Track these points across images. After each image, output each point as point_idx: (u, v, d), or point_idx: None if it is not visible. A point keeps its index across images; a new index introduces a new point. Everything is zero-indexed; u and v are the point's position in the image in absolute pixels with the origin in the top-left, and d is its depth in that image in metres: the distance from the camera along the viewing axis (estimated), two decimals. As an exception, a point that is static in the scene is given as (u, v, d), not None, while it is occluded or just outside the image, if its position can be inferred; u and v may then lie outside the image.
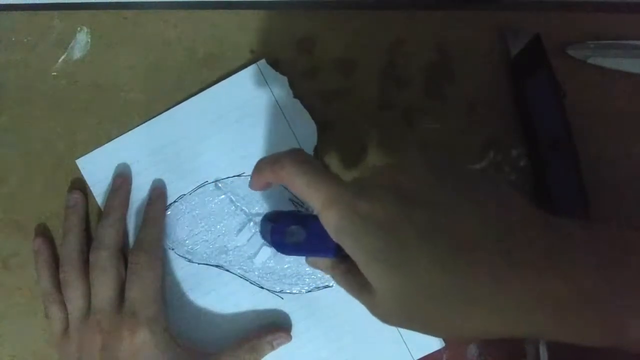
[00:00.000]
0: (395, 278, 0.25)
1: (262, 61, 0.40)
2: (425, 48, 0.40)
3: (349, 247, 0.26)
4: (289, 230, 0.31)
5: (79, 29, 0.42)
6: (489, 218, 0.25)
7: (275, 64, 0.41)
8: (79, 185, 0.41)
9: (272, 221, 0.33)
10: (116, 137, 0.41)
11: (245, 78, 0.40)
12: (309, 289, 0.40)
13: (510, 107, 0.40)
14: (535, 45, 0.39)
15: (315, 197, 0.28)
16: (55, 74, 0.42)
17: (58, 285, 0.39)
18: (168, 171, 0.41)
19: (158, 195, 0.40)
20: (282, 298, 0.40)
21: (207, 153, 0.40)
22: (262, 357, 0.39)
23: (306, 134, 0.40)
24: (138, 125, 0.41)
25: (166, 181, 0.41)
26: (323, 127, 0.40)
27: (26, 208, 0.42)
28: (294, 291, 0.40)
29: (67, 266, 0.39)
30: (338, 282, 0.31)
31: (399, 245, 0.25)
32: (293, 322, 0.40)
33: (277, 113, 0.40)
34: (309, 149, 0.40)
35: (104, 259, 0.38)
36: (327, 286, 0.39)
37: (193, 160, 0.41)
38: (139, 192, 0.41)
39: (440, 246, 0.25)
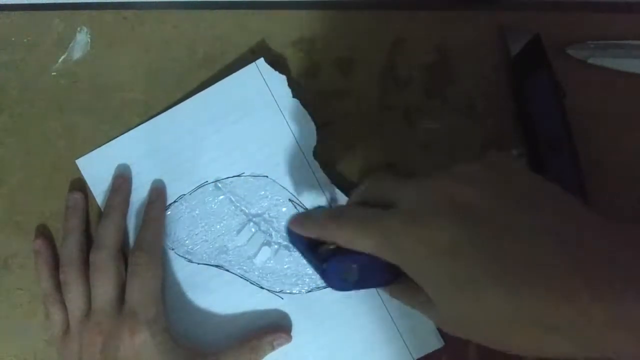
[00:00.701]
0: (461, 303, 0.24)
1: (261, 60, 0.40)
2: (425, 48, 0.40)
3: (412, 274, 0.25)
4: (345, 271, 0.29)
5: (79, 29, 0.42)
6: (558, 234, 0.23)
7: (275, 64, 0.40)
8: (79, 186, 0.41)
9: (321, 260, 0.30)
10: (116, 137, 0.41)
11: (243, 77, 0.40)
12: (309, 289, 0.40)
13: (510, 107, 0.40)
14: (535, 45, 0.39)
15: (367, 238, 0.27)
16: (55, 74, 0.42)
17: (58, 285, 0.39)
18: (168, 171, 0.41)
19: (158, 195, 0.40)
20: (282, 298, 0.40)
21: (207, 153, 0.40)
22: (262, 357, 0.39)
23: (305, 133, 0.40)
24: (138, 125, 0.41)
25: (166, 181, 0.41)
26: (323, 127, 0.40)
27: (26, 208, 0.42)
28: (294, 291, 0.40)
29: (67, 267, 0.39)
30: (396, 297, 0.30)
31: (464, 271, 0.24)
32: (293, 322, 0.40)
33: (276, 113, 0.40)
34: (309, 148, 0.40)
35: (104, 259, 0.38)
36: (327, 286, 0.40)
37: (193, 160, 0.41)
38: (139, 192, 0.41)
39: (507, 268, 0.23)
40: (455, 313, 0.25)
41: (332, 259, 0.29)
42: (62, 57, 0.42)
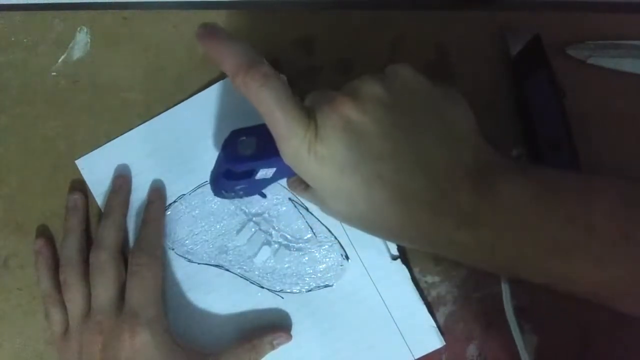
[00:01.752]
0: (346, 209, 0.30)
1: None
2: (425, 48, 0.40)
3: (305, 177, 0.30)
4: (240, 141, 0.31)
5: (78, 29, 0.42)
6: (433, 164, 0.28)
7: (275, 64, 0.41)
8: (79, 186, 0.41)
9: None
10: (116, 137, 0.41)
11: None
12: (309, 289, 0.40)
13: (510, 107, 0.40)
14: (535, 45, 0.39)
15: (275, 124, 0.29)
16: (55, 74, 0.42)
17: (58, 286, 0.39)
18: (168, 171, 0.41)
19: (157, 195, 0.40)
20: (283, 297, 0.40)
21: (207, 153, 0.40)
22: (263, 356, 0.39)
23: None
24: (138, 125, 0.41)
25: (166, 181, 0.41)
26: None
27: (26, 208, 0.42)
28: (295, 290, 0.40)
29: (67, 267, 0.39)
30: (293, 188, 0.37)
31: (348, 191, 0.29)
32: (293, 321, 0.40)
33: None
34: None
35: (104, 259, 0.38)
36: (327, 285, 0.40)
37: (192, 160, 0.41)
38: (139, 192, 0.41)
39: (381, 195, 0.28)
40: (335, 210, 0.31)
41: (233, 133, 0.32)
42: (62, 57, 0.42)
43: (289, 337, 0.39)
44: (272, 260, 0.40)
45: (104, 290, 0.38)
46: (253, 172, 0.33)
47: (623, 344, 0.27)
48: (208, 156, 0.40)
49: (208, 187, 0.40)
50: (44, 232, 0.42)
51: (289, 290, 0.40)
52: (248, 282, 0.40)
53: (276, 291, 0.40)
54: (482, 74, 0.40)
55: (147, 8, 0.43)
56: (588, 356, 0.38)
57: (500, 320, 0.38)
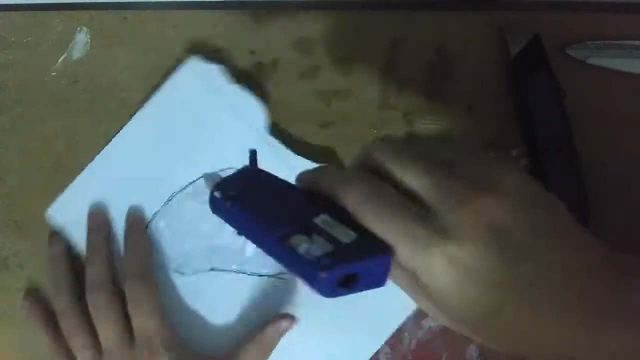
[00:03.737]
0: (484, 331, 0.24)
1: (191, 59, 0.40)
2: (425, 48, 0.40)
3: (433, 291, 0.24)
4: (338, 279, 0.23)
5: (78, 29, 0.42)
6: (570, 266, 0.23)
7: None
8: (57, 235, 0.41)
9: (318, 268, 0.23)
10: (114, 136, 0.41)
11: (179, 82, 0.40)
12: None
13: (510, 107, 0.40)
14: (534, 45, 0.39)
15: (386, 232, 0.24)
16: (55, 74, 0.42)
17: (62, 338, 0.39)
18: (137, 193, 0.40)
19: (135, 220, 0.40)
20: (284, 278, 0.39)
21: (167, 165, 0.40)
22: (273, 347, 0.38)
23: (254, 114, 0.40)
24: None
25: (139, 204, 0.41)
26: (323, 127, 0.40)
27: (26, 208, 0.42)
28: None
29: (65, 319, 0.38)
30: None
31: (495, 301, 0.23)
32: (298, 303, 0.39)
33: (220, 104, 0.40)
34: (262, 127, 0.40)
35: (100, 298, 0.38)
36: None
37: (156, 176, 0.40)
38: (118, 221, 0.41)
39: (537, 301, 0.23)
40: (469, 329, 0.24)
41: (333, 267, 0.22)
42: (62, 57, 0.42)
43: (294, 321, 0.39)
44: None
45: (111, 329, 0.37)
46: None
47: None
48: (169, 167, 0.40)
49: (179, 198, 0.40)
50: (29, 290, 0.41)
51: (286, 273, 0.39)
52: (245, 280, 0.40)
53: (276, 275, 0.40)
54: (482, 74, 0.40)
55: (147, 8, 0.43)
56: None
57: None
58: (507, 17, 0.40)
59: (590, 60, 0.39)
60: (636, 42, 0.39)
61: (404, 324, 0.39)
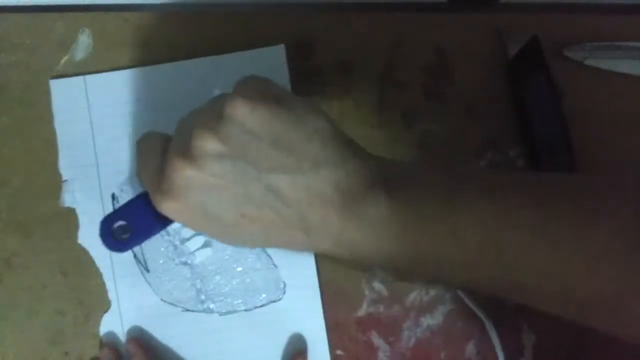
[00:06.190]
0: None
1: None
2: (424, 49, 0.41)
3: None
4: (114, 228, 0.32)
5: (80, 30, 0.42)
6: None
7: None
8: (108, 340, 0.41)
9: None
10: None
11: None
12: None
13: (508, 108, 0.40)
14: (532, 46, 0.39)
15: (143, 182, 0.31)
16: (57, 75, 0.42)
17: None
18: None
19: (135, 347, 0.40)
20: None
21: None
22: None
23: None
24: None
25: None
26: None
27: (28, 208, 0.42)
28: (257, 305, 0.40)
29: None
30: None
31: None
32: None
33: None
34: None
35: None
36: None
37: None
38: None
39: (251, 230, 0.29)
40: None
41: (105, 218, 0.32)
42: (64, 58, 0.42)
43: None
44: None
45: None
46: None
47: (619, 343, 0.28)
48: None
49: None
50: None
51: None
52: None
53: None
54: (481, 76, 0.40)
55: (149, 10, 0.43)
56: (586, 354, 0.38)
57: (499, 319, 0.38)
58: (505, 18, 0.40)
59: (588, 62, 0.39)
60: (634, 44, 0.39)
61: (403, 322, 0.39)
